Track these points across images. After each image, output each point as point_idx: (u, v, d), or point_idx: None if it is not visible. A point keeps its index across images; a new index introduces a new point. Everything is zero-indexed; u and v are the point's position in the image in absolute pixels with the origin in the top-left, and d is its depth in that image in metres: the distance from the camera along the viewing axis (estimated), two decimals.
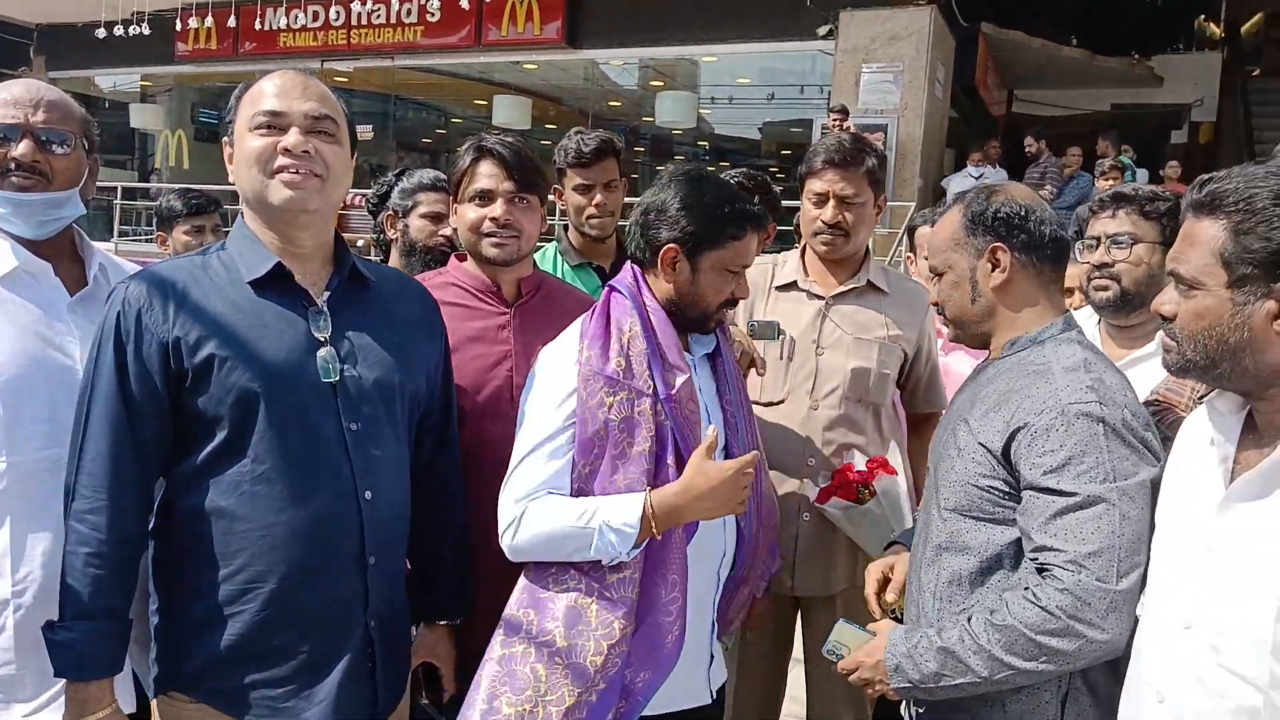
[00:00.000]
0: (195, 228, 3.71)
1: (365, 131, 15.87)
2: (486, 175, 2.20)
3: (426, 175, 3.13)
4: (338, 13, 14.13)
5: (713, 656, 2.07)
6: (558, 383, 1.90)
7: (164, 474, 1.75)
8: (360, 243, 8.66)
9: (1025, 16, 14.21)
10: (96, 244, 2.09)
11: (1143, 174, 11.15)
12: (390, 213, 3.10)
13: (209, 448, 1.70)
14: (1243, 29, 18.06)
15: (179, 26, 15.70)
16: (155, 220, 3.86)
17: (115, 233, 14.74)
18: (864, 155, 2.60)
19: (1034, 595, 1.62)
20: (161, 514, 1.76)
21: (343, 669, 1.77)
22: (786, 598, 2.68)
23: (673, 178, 2.01)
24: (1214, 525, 1.43)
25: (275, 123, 1.75)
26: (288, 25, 15.02)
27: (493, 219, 2.18)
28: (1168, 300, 1.49)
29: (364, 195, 3.79)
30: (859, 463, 2.53)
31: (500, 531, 1.89)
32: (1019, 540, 1.72)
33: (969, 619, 1.70)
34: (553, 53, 14.30)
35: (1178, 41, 17.55)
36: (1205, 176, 1.44)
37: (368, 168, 15.02)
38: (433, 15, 13.70)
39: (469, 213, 2.22)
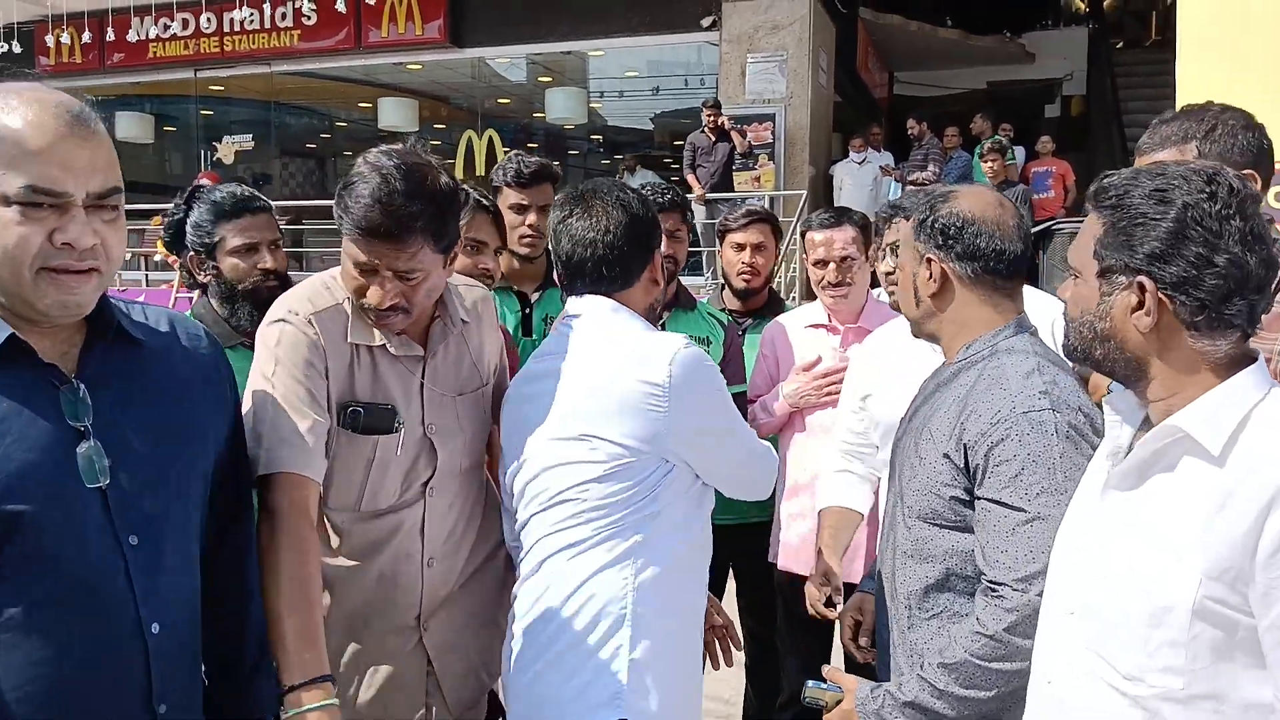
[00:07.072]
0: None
1: (245, 141, 15.34)
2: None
3: (222, 195, 2.40)
4: (209, 20, 13.58)
5: None
6: None
7: None
8: None
9: (902, 1, 14.57)
10: None
11: (1021, 150, 11.53)
12: (192, 254, 2.41)
13: None
14: (1105, 3, 18.80)
15: (42, 40, 14.93)
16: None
17: None
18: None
19: (979, 623, 1.68)
20: None
21: None
22: None
23: (616, 196, 2.01)
24: (1095, 514, 1.48)
25: (51, 201, 1.27)
26: (157, 35, 14.43)
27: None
28: (1063, 287, 1.55)
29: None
30: None
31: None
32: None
33: (922, 666, 1.75)
34: (437, 52, 14.02)
35: (1046, 18, 18.18)
36: (1103, 174, 1.50)
37: (250, 178, 14.54)
38: (308, 19, 13.26)
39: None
